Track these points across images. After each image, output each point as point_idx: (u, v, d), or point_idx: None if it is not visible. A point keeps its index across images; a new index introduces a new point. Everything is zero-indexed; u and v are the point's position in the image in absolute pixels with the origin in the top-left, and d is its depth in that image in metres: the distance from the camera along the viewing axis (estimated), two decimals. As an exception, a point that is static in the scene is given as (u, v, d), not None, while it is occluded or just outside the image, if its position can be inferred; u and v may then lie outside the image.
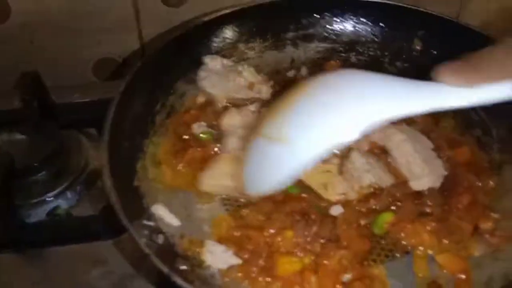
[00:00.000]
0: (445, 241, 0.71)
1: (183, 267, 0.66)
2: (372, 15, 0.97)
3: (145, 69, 0.81)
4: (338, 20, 0.98)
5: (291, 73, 0.95)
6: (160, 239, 0.69)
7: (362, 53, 0.97)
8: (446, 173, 0.77)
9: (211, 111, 0.86)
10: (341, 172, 0.77)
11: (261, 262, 0.68)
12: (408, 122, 0.82)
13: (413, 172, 0.76)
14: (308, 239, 0.70)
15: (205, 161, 0.78)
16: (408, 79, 0.57)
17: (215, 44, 0.93)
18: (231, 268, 0.68)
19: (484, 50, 0.53)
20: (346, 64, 0.96)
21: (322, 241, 0.70)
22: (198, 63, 0.90)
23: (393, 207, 0.74)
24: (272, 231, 0.70)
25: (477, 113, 0.85)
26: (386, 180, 0.76)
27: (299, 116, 0.58)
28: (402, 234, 0.72)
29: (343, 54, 0.98)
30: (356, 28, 0.98)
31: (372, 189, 0.75)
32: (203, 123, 0.83)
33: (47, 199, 0.82)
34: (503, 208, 0.75)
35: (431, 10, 0.93)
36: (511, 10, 1.14)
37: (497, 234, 0.72)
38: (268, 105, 0.85)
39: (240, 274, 0.67)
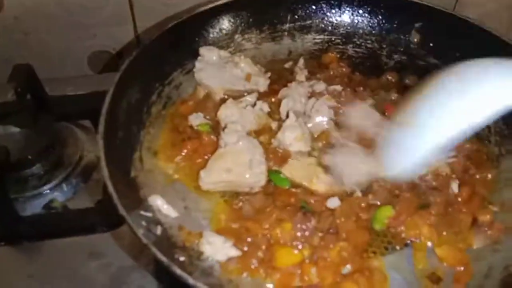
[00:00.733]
0: (444, 233, 0.71)
1: (182, 259, 0.65)
2: (369, 6, 0.96)
3: (140, 59, 0.80)
4: (335, 11, 0.97)
5: (288, 65, 0.94)
6: (158, 230, 0.68)
7: (359, 45, 0.97)
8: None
9: (208, 102, 0.85)
10: (319, 164, 0.77)
11: (260, 254, 0.68)
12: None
13: None
14: (307, 232, 0.69)
15: (202, 153, 0.78)
16: None
17: (211, 35, 0.92)
18: (230, 260, 0.67)
19: None
20: (344, 57, 0.96)
21: (320, 234, 0.70)
22: (194, 54, 0.89)
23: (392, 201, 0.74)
24: (266, 225, 0.70)
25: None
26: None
27: (427, 103, 0.68)
28: (402, 227, 0.72)
29: (340, 46, 0.97)
30: (353, 20, 0.97)
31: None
32: (200, 114, 0.82)
33: (43, 192, 0.81)
34: (502, 201, 0.75)
35: (428, 2, 0.92)
36: (506, 2, 1.15)
37: (496, 227, 0.72)
38: (267, 96, 0.86)
39: (239, 266, 0.67)
